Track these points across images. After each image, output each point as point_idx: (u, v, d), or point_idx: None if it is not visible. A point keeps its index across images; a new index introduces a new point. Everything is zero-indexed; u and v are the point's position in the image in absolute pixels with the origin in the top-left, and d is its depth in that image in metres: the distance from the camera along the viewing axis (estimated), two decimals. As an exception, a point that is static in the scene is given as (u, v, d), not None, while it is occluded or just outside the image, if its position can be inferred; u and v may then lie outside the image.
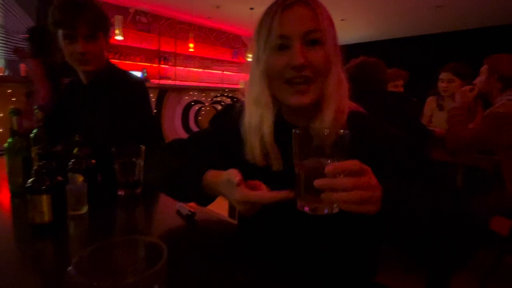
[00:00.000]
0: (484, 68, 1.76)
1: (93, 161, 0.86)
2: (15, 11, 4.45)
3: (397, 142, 0.63)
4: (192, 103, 5.24)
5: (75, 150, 0.84)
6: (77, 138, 0.85)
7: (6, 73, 4.38)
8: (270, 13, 0.61)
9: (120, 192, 0.92)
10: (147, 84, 5.07)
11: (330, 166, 0.43)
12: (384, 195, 0.47)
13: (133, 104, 1.12)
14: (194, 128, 5.31)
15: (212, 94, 5.50)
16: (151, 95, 4.61)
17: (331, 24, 0.63)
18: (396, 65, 2.70)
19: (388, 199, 0.47)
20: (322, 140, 0.47)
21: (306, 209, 0.47)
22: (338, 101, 0.62)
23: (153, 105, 4.71)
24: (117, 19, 4.96)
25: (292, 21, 0.60)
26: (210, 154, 0.77)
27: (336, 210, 0.46)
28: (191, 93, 5.21)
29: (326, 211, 0.47)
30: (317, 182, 0.43)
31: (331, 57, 0.61)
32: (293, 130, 0.48)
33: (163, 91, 4.83)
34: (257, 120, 0.65)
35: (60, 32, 1.08)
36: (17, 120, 0.89)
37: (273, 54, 0.61)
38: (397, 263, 1.35)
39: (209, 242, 0.68)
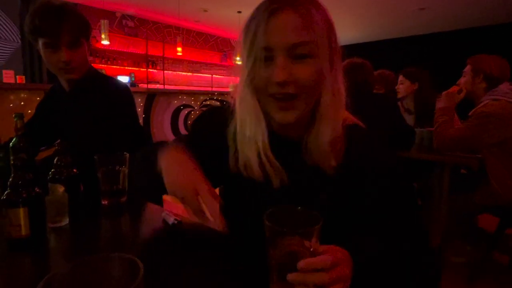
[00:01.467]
0: (467, 69, 1.79)
1: (74, 170, 0.83)
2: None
3: (388, 169, 0.61)
4: (181, 107, 5.20)
5: (55, 159, 0.81)
6: (57, 147, 0.81)
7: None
8: (255, 19, 0.55)
9: (104, 202, 0.90)
10: (135, 89, 5.05)
11: (302, 263, 0.42)
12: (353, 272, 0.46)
13: (117, 111, 1.10)
14: (184, 132, 5.27)
15: (202, 98, 5.47)
16: (138, 99, 4.62)
17: (329, 29, 0.55)
18: (383, 67, 2.74)
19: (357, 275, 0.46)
20: (294, 220, 0.45)
21: None
22: (334, 116, 0.58)
23: (141, 110, 4.65)
24: (103, 23, 4.89)
25: (277, 32, 0.53)
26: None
27: None
28: (180, 97, 5.17)
29: None
30: (290, 277, 0.42)
31: (324, 70, 0.55)
32: (264, 221, 0.45)
33: (151, 96, 4.78)
34: (251, 132, 0.61)
35: (40, 41, 1.05)
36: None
37: (257, 66, 0.55)
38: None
39: (198, 254, 0.65)
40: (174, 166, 0.57)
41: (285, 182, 0.61)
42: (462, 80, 1.80)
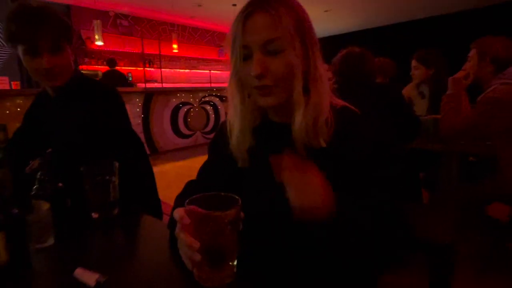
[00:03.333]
0: (472, 53, 1.70)
1: (60, 184, 0.77)
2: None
3: (371, 149, 0.65)
4: (180, 105, 5.14)
5: (38, 174, 0.75)
6: (39, 160, 0.76)
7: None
8: (235, 22, 0.63)
9: (95, 215, 0.85)
10: (133, 89, 4.98)
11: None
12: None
13: (105, 117, 1.04)
14: (184, 130, 5.22)
15: (200, 94, 5.41)
16: (137, 99, 4.56)
17: (299, 25, 0.61)
18: (383, 54, 2.64)
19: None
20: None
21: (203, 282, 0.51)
22: (315, 100, 0.63)
23: (140, 110, 4.59)
24: (96, 24, 4.81)
25: (252, 31, 0.61)
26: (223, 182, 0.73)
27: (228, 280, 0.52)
28: (178, 95, 5.11)
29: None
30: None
31: (295, 62, 0.61)
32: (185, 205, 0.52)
33: (149, 95, 4.72)
34: (232, 118, 0.70)
35: (19, 48, 0.98)
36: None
37: (240, 63, 0.63)
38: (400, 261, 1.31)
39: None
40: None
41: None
42: (467, 65, 1.72)
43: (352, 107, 0.71)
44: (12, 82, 3.83)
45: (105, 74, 5.17)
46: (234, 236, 0.51)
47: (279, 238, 0.65)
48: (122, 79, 5.19)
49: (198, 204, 0.51)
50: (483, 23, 5.89)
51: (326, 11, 6.47)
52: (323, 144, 0.63)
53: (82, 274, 0.55)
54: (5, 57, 4.44)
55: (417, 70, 2.37)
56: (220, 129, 0.79)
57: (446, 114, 1.66)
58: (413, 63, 2.39)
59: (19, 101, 3.33)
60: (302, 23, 0.62)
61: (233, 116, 0.70)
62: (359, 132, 0.66)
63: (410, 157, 1.88)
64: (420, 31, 7.15)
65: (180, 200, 0.73)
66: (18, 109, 3.31)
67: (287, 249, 0.64)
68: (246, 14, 0.61)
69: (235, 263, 0.53)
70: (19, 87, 3.88)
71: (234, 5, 5.83)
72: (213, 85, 7.35)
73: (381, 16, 7.19)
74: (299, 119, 0.63)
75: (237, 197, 0.52)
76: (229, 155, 0.72)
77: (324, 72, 0.66)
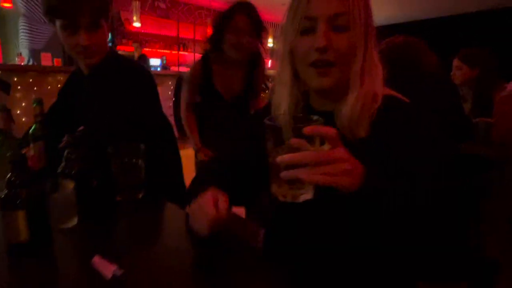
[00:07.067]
0: None
1: (87, 164, 0.75)
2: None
3: (426, 137, 0.59)
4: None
5: (66, 152, 0.74)
6: (67, 139, 0.74)
7: (30, 63, 4.45)
8: None
9: (119, 198, 0.82)
10: (166, 72, 5.03)
11: (308, 128, 0.44)
12: (366, 173, 0.48)
13: (136, 98, 1.01)
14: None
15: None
16: (169, 82, 4.61)
17: (365, 6, 0.59)
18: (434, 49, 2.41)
19: (370, 177, 0.48)
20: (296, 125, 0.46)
21: (281, 198, 0.48)
22: (367, 86, 0.60)
23: (171, 93, 4.64)
24: (135, 5, 4.87)
25: (319, 2, 0.57)
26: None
27: (310, 196, 0.47)
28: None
29: (302, 198, 0.47)
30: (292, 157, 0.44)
31: (358, 42, 0.58)
32: (264, 120, 0.48)
33: (181, 79, 4.74)
34: (278, 99, 0.67)
35: (57, 22, 0.97)
36: (4, 117, 0.80)
37: (298, 37, 0.60)
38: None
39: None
40: (195, 214, 0.62)
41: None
42: None
43: (401, 96, 0.65)
44: (54, 59, 3.99)
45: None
46: None
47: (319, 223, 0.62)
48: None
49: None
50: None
51: None
52: (363, 134, 0.59)
53: (100, 264, 0.51)
54: (48, 34, 4.62)
55: (459, 71, 2.13)
56: (263, 111, 0.75)
57: (502, 118, 1.48)
58: (455, 62, 2.15)
59: (60, 77, 3.46)
60: (368, 4, 0.60)
61: (280, 97, 0.67)
62: (407, 123, 0.59)
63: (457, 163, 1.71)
64: (464, 27, 6.58)
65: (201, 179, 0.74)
66: (59, 86, 3.45)
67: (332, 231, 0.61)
68: None
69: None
70: (60, 64, 4.04)
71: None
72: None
73: (419, 10, 6.69)
74: (351, 102, 0.59)
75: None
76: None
77: (378, 59, 0.62)
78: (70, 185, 0.69)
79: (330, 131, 0.45)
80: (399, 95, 0.65)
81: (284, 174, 0.45)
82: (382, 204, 0.49)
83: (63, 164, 0.73)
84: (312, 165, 0.44)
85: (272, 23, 7.37)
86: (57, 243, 0.62)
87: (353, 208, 0.50)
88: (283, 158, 0.44)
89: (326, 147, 0.47)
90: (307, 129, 0.44)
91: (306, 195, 0.47)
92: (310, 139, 0.45)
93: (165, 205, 0.85)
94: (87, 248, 0.60)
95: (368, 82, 0.60)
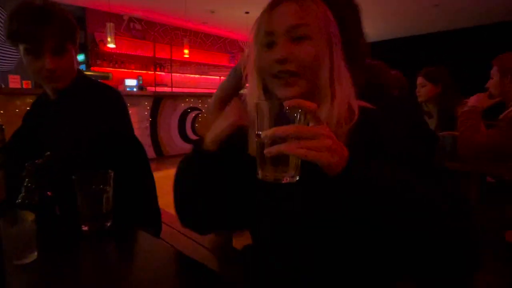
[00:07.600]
0: (494, 70, 1.63)
1: (48, 193, 0.71)
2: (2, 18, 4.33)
3: (402, 138, 0.62)
4: (189, 110, 5.11)
5: (25, 181, 0.70)
6: (27, 167, 0.70)
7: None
8: (261, 13, 0.64)
9: (85, 227, 0.78)
10: (142, 92, 4.98)
11: (289, 101, 0.46)
12: (351, 156, 0.48)
13: (104, 122, 0.98)
14: (192, 136, 5.18)
15: (210, 100, 5.37)
16: (145, 103, 4.55)
17: (324, 18, 0.61)
18: (397, 67, 2.56)
19: (356, 160, 0.48)
20: (280, 109, 0.47)
21: (264, 178, 0.48)
22: (340, 97, 0.60)
23: (148, 113, 4.58)
24: (109, 26, 4.85)
25: (277, 18, 0.60)
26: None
27: (296, 178, 0.47)
28: (187, 99, 5.09)
29: (286, 179, 0.47)
30: (278, 130, 0.44)
31: (322, 51, 0.60)
32: (255, 102, 0.50)
33: (158, 99, 4.71)
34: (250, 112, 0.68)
35: (21, 47, 0.93)
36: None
37: (262, 52, 0.62)
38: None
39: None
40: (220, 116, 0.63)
41: None
42: (490, 82, 1.63)
43: (369, 105, 0.67)
44: (23, 81, 3.86)
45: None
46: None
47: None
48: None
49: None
50: (501, 38, 5.77)
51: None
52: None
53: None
54: (17, 56, 4.47)
55: (423, 88, 2.26)
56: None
57: (466, 131, 1.57)
58: (419, 80, 2.27)
59: (29, 100, 3.33)
60: (329, 16, 0.62)
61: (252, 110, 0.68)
62: (379, 129, 0.61)
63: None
64: (423, 47, 7.05)
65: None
66: (28, 108, 3.31)
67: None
68: (272, 5, 0.62)
69: (299, 162, 0.49)
70: (30, 86, 3.90)
71: (247, 12, 5.84)
72: (222, 91, 7.34)
73: (393, 28, 7.11)
74: (324, 114, 0.59)
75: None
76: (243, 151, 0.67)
77: (347, 73, 0.63)
78: (29, 216, 0.65)
79: (311, 105, 0.46)
80: (368, 104, 0.67)
81: (267, 150, 0.45)
82: (370, 188, 0.47)
83: (22, 194, 0.69)
84: (295, 138, 0.44)
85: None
86: (15, 281, 0.57)
87: (339, 193, 0.49)
88: (267, 132, 0.45)
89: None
90: (288, 102, 0.45)
91: (290, 178, 0.47)
92: (293, 121, 0.46)
93: (137, 234, 0.81)
94: (48, 287, 0.56)
95: (339, 92, 0.61)
